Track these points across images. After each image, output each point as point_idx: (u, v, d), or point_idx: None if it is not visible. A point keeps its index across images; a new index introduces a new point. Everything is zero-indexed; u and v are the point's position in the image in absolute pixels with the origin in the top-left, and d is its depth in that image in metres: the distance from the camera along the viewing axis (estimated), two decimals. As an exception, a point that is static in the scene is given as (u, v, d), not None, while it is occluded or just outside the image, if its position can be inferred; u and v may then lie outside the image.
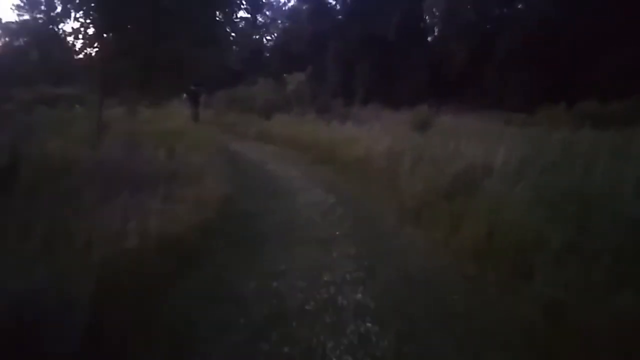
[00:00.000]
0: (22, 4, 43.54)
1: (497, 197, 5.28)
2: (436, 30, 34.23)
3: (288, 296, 3.93)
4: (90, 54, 8.63)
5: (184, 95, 15.71)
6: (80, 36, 8.55)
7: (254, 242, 5.23)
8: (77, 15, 8.42)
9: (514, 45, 28.07)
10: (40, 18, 42.55)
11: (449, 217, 5.53)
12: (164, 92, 9.24)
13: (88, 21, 8.37)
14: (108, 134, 8.15)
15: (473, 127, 14.64)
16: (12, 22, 44.02)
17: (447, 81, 31.72)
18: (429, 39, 34.75)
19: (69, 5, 8.53)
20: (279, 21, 44.26)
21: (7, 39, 44.36)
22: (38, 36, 40.60)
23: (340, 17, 36.15)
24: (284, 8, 44.00)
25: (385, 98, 27.18)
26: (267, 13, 45.97)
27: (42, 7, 42.60)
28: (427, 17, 34.28)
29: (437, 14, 33.81)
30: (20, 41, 43.03)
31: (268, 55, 43.59)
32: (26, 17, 43.74)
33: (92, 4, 8.31)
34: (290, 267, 4.53)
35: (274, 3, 45.17)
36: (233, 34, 10.19)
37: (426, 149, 8.70)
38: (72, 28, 8.60)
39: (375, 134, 11.92)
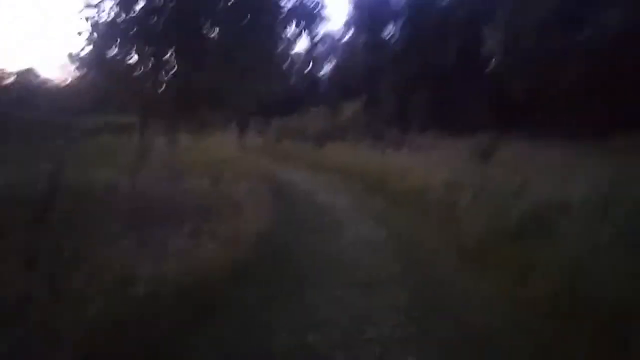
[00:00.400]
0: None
1: (578, 241, 4.43)
2: (497, 56, 32.98)
3: (324, 357, 3.28)
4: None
5: (233, 123, 15.56)
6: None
7: (289, 287, 4.61)
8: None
9: (581, 71, 26.51)
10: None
11: (517, 264, 4.71)
12: (206, 120, 8.89)
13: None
14: (150, 162, 7.90)
15: (540, 159, 13.57)
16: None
17: (509, 109, 30.35)
18: (490, 66, 33.53)
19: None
20: (334, 53, 44.47)
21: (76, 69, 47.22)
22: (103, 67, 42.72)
23: (396, 47, 35.72)
24: (340, 42, 44.19)
25: (443, 126, 26.20)
26: (324, 47, 46.46)
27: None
28: (487, 44, 33.15)
29: (497, 41, 32.63)
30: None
31: (323, 86, 43.72)
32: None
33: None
34: (328, 319, 3.88)
35: (329, 38, 45.58)
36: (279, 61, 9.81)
37: (489, 182, 7.87)
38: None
39: (431, 163, 11.17)
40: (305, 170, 14.25)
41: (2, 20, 67.57)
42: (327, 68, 46.31)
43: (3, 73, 45.25)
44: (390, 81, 33.75)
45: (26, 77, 49.74)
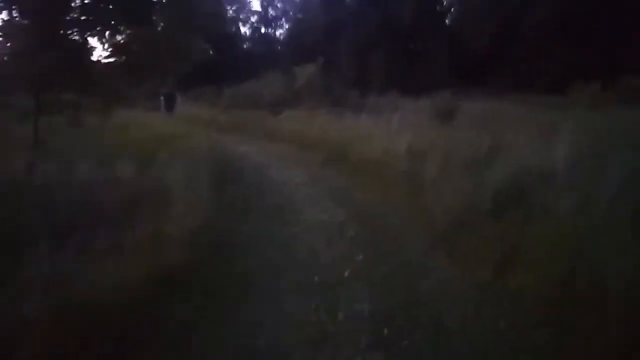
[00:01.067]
0: None
1: (570, 216, 3.68)
2: (454, 10, 32.15)
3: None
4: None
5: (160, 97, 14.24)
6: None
7: (229, 295, 3.71)
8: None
9: (540, 22, 25.95)
10: None
11: (498, 246, 3.94)
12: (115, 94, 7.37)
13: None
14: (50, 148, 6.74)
15: (505, 115, 12.92)
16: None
17: (470, 65, 29.65)
18: (448, 20, 32.69)
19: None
20: (291, 13, 42.61)
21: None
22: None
23: (353, 4, 34.27)
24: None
25: (404, 87, 25.38)
26: (278, 5, 44.48)
27: None
28: (444, -2, 32.20)
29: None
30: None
31: (279, 48, 42.02)
32: None
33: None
34: (277, 337, 3.03)
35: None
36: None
37: (455, 146, 7.09)
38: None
39: (393, 128, 10.33)
40: (258, 142, 13.18)
41: None
42: (283, 30, 44.59)
43: None
44: (347, 41, 32.45)
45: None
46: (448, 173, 5.78)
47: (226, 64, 40.35)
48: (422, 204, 5.40)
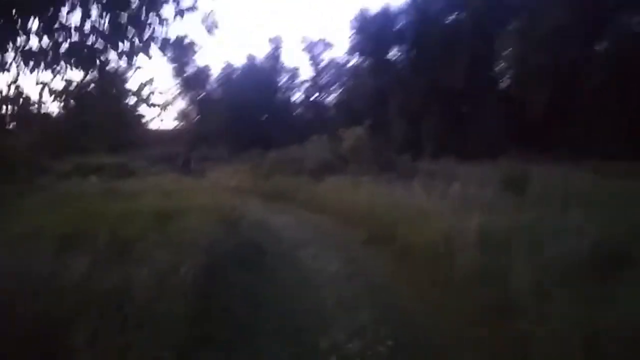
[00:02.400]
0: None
1: None
2: (511, 71, 30.39)
3: None
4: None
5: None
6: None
7: None
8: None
9: (596, 87, 23.87)
10: None
11: None
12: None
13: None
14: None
15: (582, 186, 10.72)
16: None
17: (526, 130, 27.45)
18: (502, 85, 30.94)
19: None
20: (341, 79, 42.24)
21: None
22: None
23: (402, 69, 33.26)
24: (345, 68, 41.90)
25: (457, 151, 23.53)
26: (329, 72, 44.37)
27: None
28: (497, 63, 30.62)
29: (508, 58, 30.08)
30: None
31: (328, 114, 41.39)
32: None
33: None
34: None
35: (336, 63, 43.49)
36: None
37: (546, 233, 5.06)
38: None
39: (453, 200, 8.36)
40: (296, 211, 11.44)
41: None
42: (333, 95, 44.18)
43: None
44: (397, 105, 31.20)
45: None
46: (549, 283, 3.74)
47: (276, 129, 40.16)
48: (516, 340, 3.35)
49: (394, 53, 33.64)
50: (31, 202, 7.37)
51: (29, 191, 8.94)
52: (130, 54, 3.83)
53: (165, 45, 3.91)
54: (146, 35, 3.83)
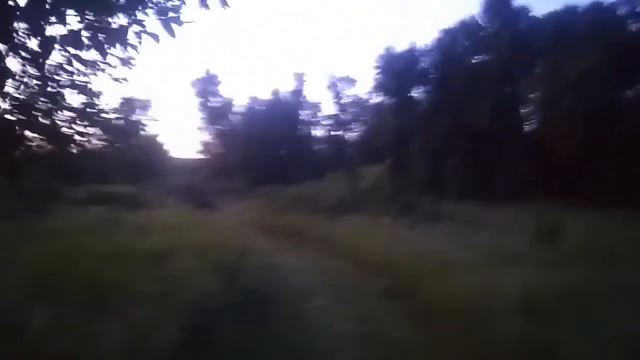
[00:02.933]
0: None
1: None
2: (537, 115, 29.53)
3: None
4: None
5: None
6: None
7: None
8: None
9: (627, 135, 22.79)
10: None
11: None
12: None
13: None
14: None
15: (624, 237, 9.68)
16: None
17: (554, 175, 26.36)
18: (528, 127, 30.04)
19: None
20: (363, 117, 41.90)
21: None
22: None
23: (425, 108, 32.68)
24: (367, 104, 41.62)
25: (482, 194, 22.55)
26: (351, 109, 44.15)
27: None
28: (524, 105, 29.84)
29: (535, 100, 29.29)
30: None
31: (349, 150, 40.90)
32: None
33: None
34: None
35: (359, 100, 43.31)
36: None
37: (604, 298, 4.18)
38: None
39: (482, 249, 7.50)
40: (306, 254, 10.58)
41: None
42: (354, 132, 43.79)
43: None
44: (419, 144, 30.41)
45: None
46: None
47: (296, 163, 39.76)
48: None
49: (417, 92, 33.16)
50: (19, 231, 6.75)
51: (25, 219, 8.38)
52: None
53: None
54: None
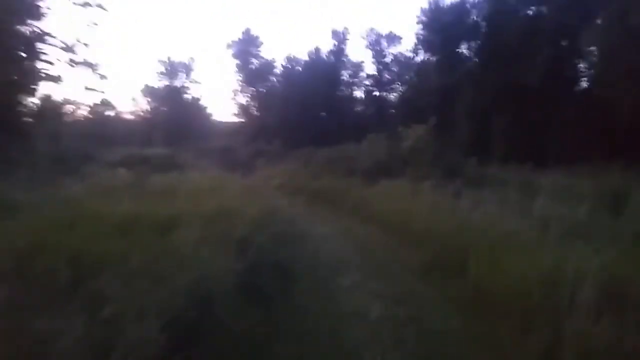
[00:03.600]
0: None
1: None
2: (594, 73, 27.09)
3: None
4: None
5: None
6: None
7: None
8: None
9: None
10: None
11: None
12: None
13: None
14: None
15: None
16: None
17: (612, 135, 24.22)
18: (585, 84, 27.67)
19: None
20: (406, 76, 39.97)
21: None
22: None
23: (472, 66, 30.64)
24: (411, 63, 39.60)
25: (532, 157, 21.02)
26: (394, 68, 42.25)
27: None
28: (581, 60, 27.38)
29: (593, 54, 26.78)
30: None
31: (391, 111, 39.33)
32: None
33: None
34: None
35: (401, 58, 41.30)
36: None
37: None
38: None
39: (540, 219, 6.42)
40: (343, 220, 9.72)
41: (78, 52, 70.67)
42: (396, 92, 42.05)
43: (77, 104, 45.15)
44: (465, 104, 28.66)
45: (100, 109, 49.83)
46: None
47: (336, 125, 38.67)
48: None
49: (464, 48, 31.09)
50: (28, 199, 6.20)
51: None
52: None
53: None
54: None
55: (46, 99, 19.52)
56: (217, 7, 76.31)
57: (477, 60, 29.65)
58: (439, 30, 30.88)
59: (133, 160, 15.12)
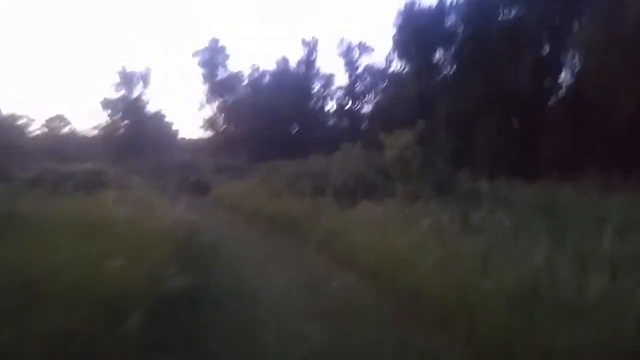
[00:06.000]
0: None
1: None
2: (584, 77, 24.99)
3: None
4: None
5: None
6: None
7: None
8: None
9: None
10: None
11: None
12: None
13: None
14: None
15: None
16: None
17: (607, 144, 22.06)
18: (574, 90, 25.57)
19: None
20: (379, 85, 37.58)
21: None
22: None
23: (452, 72, 28.45)
24: (384, 73, 37.17)
25: (519, 167, 18.75)
26: (367, 78, 39.87)
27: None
28: (569, 63, 25.36)
29: (583, 57, 24.78)
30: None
31: (365, 123, 36.81)
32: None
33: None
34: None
35: (375, 68, 38.97)
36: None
37: None
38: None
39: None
40: (298, 265, 6.69)
41: (28, 66, 66.51)
42: (370, 105, 39.53)
43: (29, 120, 41.11)
44: (444, 114, 26.25)
45: (55, 125, 45.89)
46: None
47: (306, 139, 35.95)
48: None
49: (442, 55, 28.85)
50: None
51: None
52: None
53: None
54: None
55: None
56: (180, 15, 72.75)
57: (456, 67, 27.40)
58: (414, 34, 28.60)
59: (51, 177, 12.00)
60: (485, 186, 13.71)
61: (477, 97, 25.16)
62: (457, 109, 25.66)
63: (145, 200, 8.10)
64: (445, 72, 28.05)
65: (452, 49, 27.74)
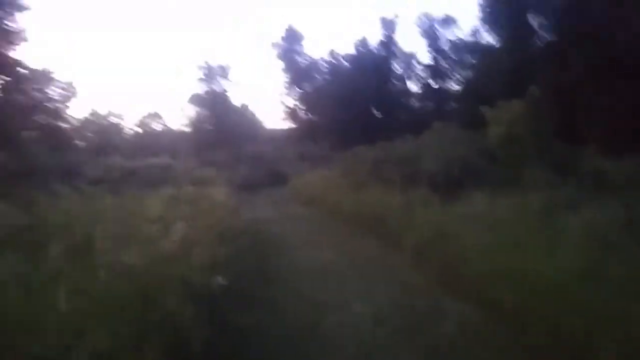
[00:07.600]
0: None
1: None
2: None
3: None
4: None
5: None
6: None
7: None
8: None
9: None
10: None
11: None
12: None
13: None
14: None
15: None
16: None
17: None
18: None
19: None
20: (469, 62, 34.15)
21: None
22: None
23: (551, 39, 24.71)
24: (475, 45, 33.67)
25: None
26: (452, 55, 36.52)
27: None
28: None
29: None
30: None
31: (453, 103, 33.71)
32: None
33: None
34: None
35: (458, 42, 35.58)
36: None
37: None
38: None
39: None
40: (390, 287, 4.84)
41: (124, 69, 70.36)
42: (456, 82, 36.22)
43: (123, 119, 42.75)
44: (546, 85, 22.76)
45: (149, 122, 47.53)
46: None
47: (390, 123, 33.71)
48: None
49: (540, 20, 25.23)
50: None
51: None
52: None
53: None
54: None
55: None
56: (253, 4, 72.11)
57: (557, 31, 23.68)
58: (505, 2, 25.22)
59: (117, 174, 11.25)
60: (610, 165, 10.92)
61: (583, 65, 21.49)
62: (562, 78, 22.14)
63: (207, 198, 6.78)
64: (544, 40, 24.42)
65: (551, 13, 24.03)
